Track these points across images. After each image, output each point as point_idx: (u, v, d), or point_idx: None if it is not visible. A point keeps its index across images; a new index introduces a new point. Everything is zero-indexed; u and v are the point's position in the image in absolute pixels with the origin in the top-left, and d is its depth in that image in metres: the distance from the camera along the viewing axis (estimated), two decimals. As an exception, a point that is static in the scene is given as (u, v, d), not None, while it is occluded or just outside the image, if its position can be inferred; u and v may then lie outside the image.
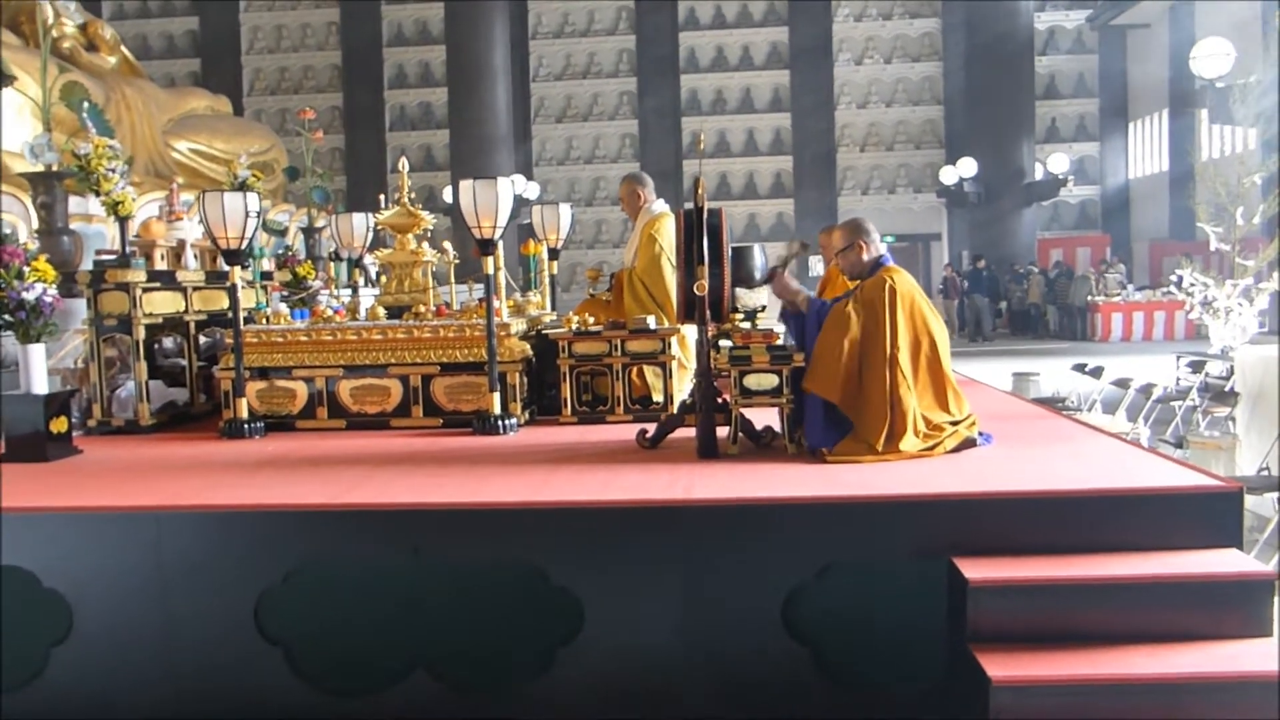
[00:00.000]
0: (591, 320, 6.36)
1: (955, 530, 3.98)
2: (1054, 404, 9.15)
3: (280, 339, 6.28)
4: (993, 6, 23.09)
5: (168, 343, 7.02)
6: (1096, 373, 8.80)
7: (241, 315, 6.27)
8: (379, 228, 7.03)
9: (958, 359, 17.31)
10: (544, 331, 6.50)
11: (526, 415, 6.27)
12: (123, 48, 17.68)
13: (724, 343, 5.33)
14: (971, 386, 7.56)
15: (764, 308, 5.64)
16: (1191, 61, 12.66)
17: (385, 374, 6.22)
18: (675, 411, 5.32)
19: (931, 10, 26.92)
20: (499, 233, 5.88)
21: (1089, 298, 19.53)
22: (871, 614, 3.99)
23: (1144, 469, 4.33)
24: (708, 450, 4.91)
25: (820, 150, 27.21)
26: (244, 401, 6.11)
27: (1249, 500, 6.23)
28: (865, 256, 5.02)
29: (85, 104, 10.20)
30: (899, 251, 28.63)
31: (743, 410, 5.08)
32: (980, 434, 5.01)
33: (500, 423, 5.90)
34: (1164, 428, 9.04)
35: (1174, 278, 8.63)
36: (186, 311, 6.83)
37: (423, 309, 6.36)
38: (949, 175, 23.63)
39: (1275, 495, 5.60)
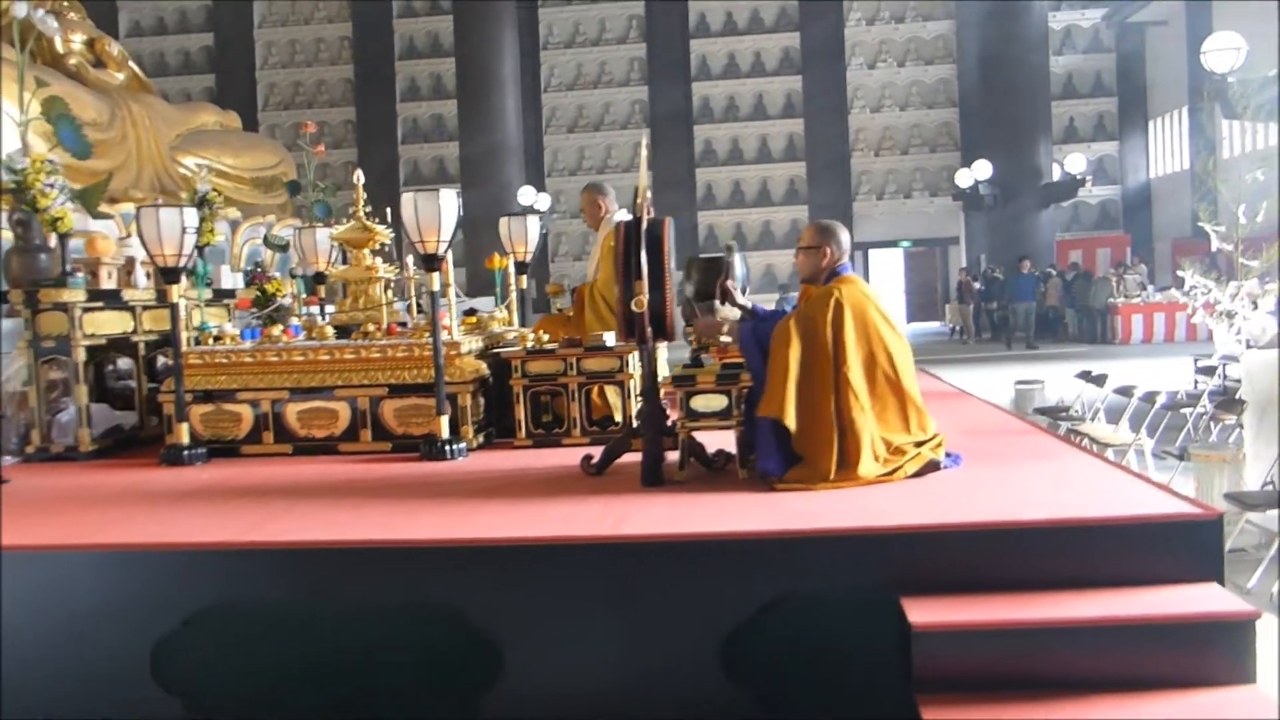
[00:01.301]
0: (547, 338, 6.05)
1: (906, 566, 3.62)
2: (1057, 413, 8.76)
3: (224, 360, 6.01)
4: (1006, 7, 22.60)
5: (123, 364, 6.78)
6: (1100, 380, 8.37)
7: (186, 335, 6.01)
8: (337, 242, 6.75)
9: (972, 365, 16.75)
10: (497, 350, 6.18)
11: (481, 438, 5.96)
12: (131, 64, 17.57)
13: (707, 360, 5.02)
14: (958, 400, 7.18)
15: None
16: (1202, 56, 12.20)
17: (332, 396, 5.94)
18: (622, 435, 4.99)
19: (945, 12, 26.48)
20: (444, 247, 5.58)
21: (1109, 299, 18.98)
22: (817, 656, 3.63)
23: (1121, 494, 3.94)
24: (652, 478, 4.57)
25: (834, 155, 26.81)
26: (185, 427, 5.84)
27: (1255, 516, 5.85)
28: (825, 262, 4.66)
29: (62, 120, 10.01)
30: (916, 256, 28.45)
31: (694, 433, 4.74)
32: (948, 455, 4.64)
33: (448, 448, 5.59)
34: (1176, 435, 8.61)
35: (1181, 279, 8.24)
36: (135, 332, 6.58)
37: (372, 328, 6.07)
38: (965, 178, 23.15)
39: (1278, 513, 5.19)
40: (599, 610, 3.72)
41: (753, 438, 4.50)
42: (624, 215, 6.49)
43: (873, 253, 27.90)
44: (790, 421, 4.36)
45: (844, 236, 4.68)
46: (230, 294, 7.80)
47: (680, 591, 3.68)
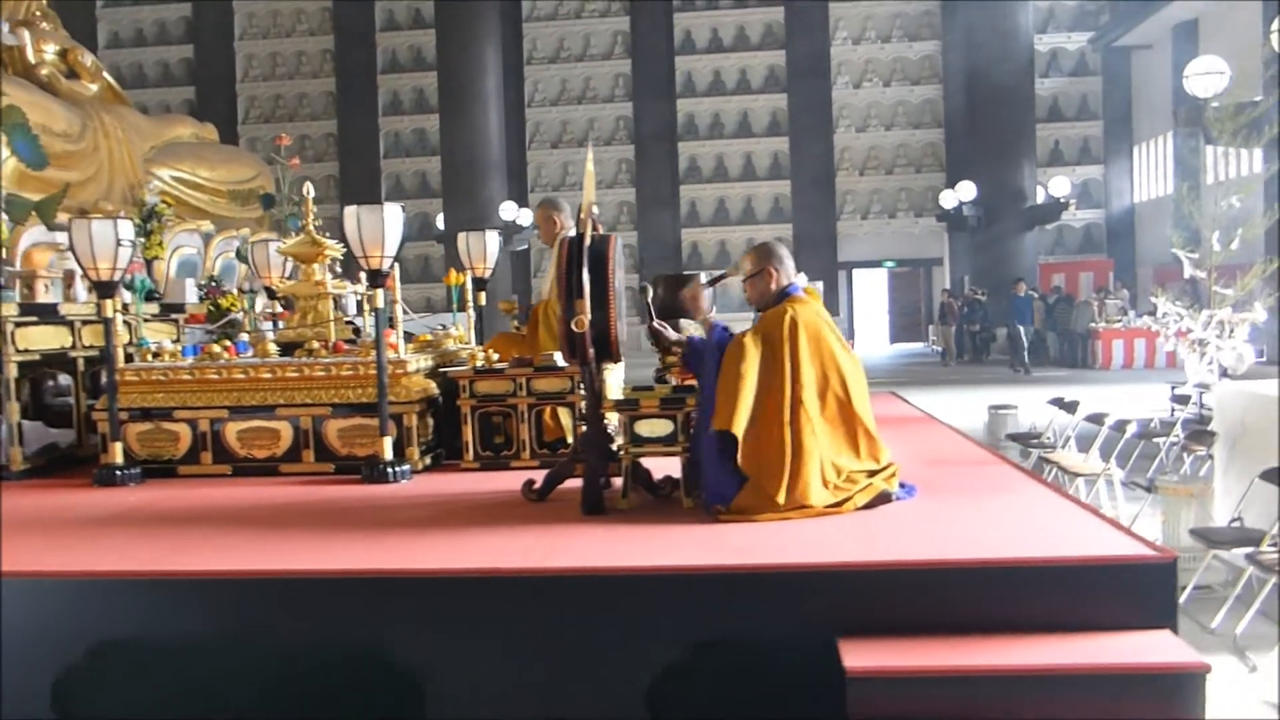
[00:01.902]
0: (496, 357, 5.86)
1: (846, 606, 3.44)
2: (1028, 440, 8.60)
3: (162, 377, 5.80)
4: (992, 29, 22.58)
5: (64, 380, 6.57)
6: (1071, 407, 8.21)
7: (122, 351, 5.81)
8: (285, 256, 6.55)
9: (951, 387, 16.57)
10: (444, 370, 5.98)
11: (428, 460, 5.76)
12: (105, 75, 17.35)
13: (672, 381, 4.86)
14: (923, 425, 7.01)
15: None
16: (1184, 80, 12.13)
17: (274, 415, 5.74)
18: (566, 460, 4.80)
19: (931, 32, 26.47)
20: (388, 263, 5.39)
21: (1090, 324, 18.87)
22: (749, 700, 3.44)
23: (1075, 532, 3.77)
24: (593, 505, 4.38)
25: (819, 174, 26.72)
26: (118, 446, 5.62)
27: (1224, 554, 5.68)
28: (774, 285, 4.48)
29: (16, 129, 9.80)
30: (900, 277, 28.34)
31: (639, 459, 4.56)
32: (902, 486, 4.46)
33: (390, 470, 5.39)
34: (1150, 464, 8.45)
35: (1151, 307, 8.10)
36: (74, 347, 6.37)
37: (316, 345, 5.87)
38: (949, 199, 23.07)
39: (1248, 551, 5.01)
40: (523, 647, 3.53)
41: (699, 462, 4.31)
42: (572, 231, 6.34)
43: (856, 272, 27.80)
44: (739, 430, 4.17)
45: (785, 255, 4.51)
46: (180, 308, 7.58)
47: (607, 628, 3.50)
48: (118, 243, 5.49)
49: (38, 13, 16.68)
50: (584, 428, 4.60)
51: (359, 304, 12.23)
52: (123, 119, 16.22)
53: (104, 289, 5.55)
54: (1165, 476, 6.60)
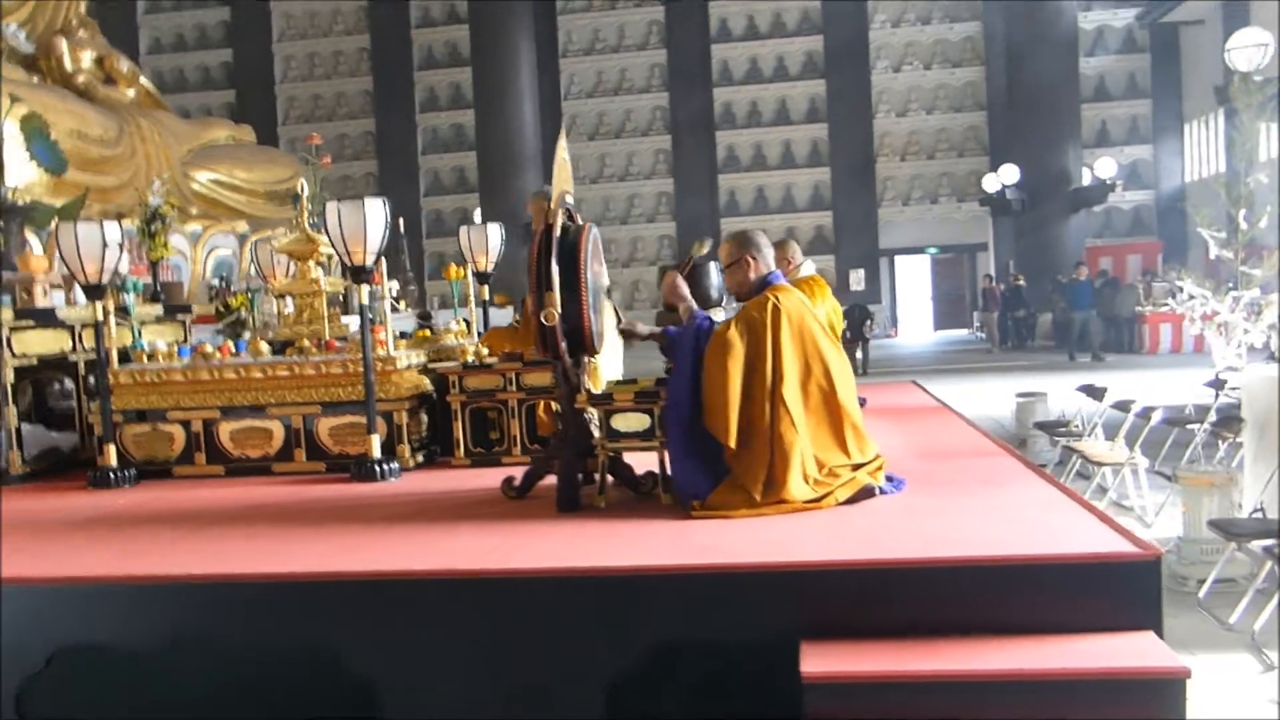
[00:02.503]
0: (487, 351, 5.76)
1: (812, 607, 3.28)
2: (1055, 428, 8.32)
3: (155, 379, 5.79)
4: (1035, 7, 22.01)
5: (69, 383, 6.59)
6: (1099, 394, 7.93)
7: (116, 353, 5.80)
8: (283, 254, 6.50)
9: (991, 374, 16.17)
10: (433, 365, 5.90)
11: (420, 457, 5.68)
12: (143, 80, 17.57)
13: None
14: (937, 415, 6.79)
15: None
16: (1226, 54, 11.69)
17: (265, 415, 5.69)
18: (545, 456, 4.68)
19: (971, 13, 25.92)
20: (372, 258, 5.31)
21: (1135, 308, 18.34)
22: (709, 704, 3.30)
23: (1059, 529, 3.56)
24: (569, 503, 4.26)
25: (859, 160, 26.32)
26: (111, 448, 5.62)
27: (1248, 546, 5.41)
28: (753, 274, 4.32)
29: (36, 135, 9.89)
30: (943, 263, 27.84)
31: (616, 455, 4.43)
32: (889, 479, 4.29)
33: (378, 468, 5.31)
34: (1183, 452, 8.13)
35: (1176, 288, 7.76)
36: (74, 350, 6.38)
37: (307, 343, 5.82)
38: (991, 183, 22.59)
39: (1267, 544, 4.75)
40: (479, 650, 3.42)
41: (672, 454, 4.17)
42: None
43: (899, 259, 27.34)
44: (733, 441, 4.04)
45: (763, 243, 4.35)
46: (187, 309, 7.58)
47: (565, 630, 3.37)
48: (104, 245, 5.46)
49: (75, 20, 16.91)
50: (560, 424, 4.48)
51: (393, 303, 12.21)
52: (159, 123, 16.41)
53: (92, 291, 5.54)
54: (1187, 465, 6.32)
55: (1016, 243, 23.19)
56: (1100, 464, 7.00)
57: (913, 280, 28.14)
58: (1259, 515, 5.24)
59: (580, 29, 27.68)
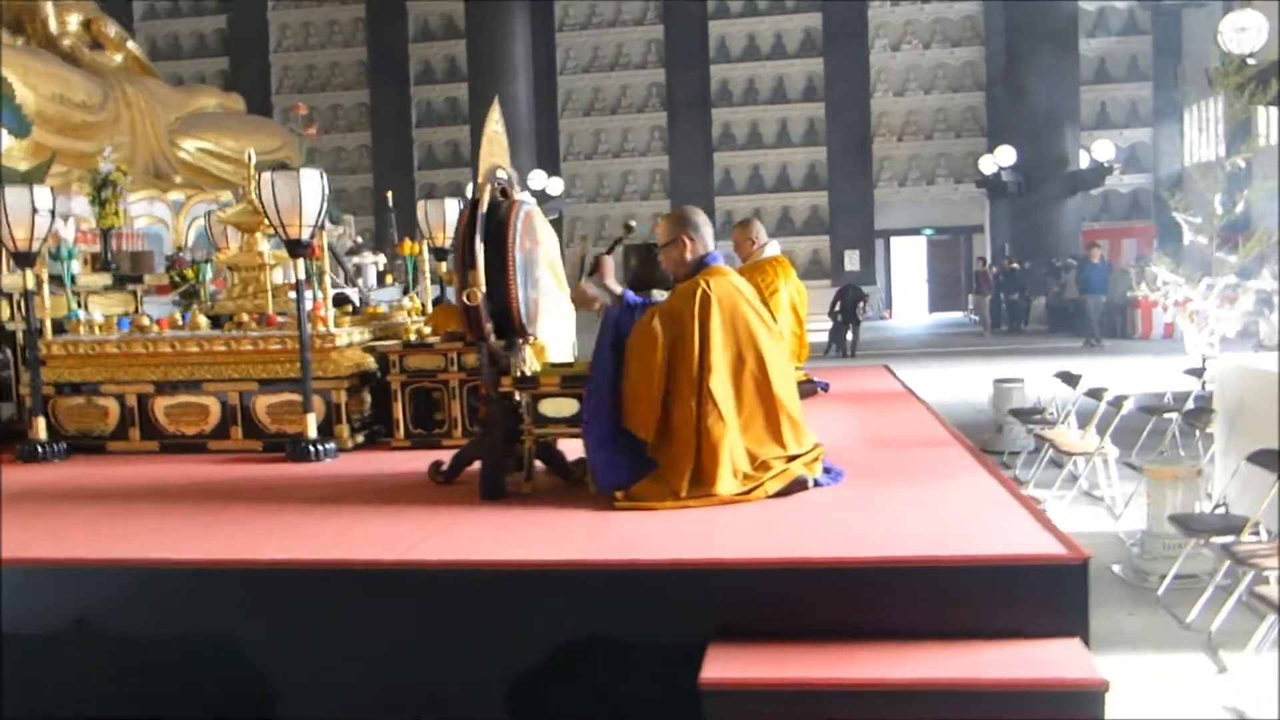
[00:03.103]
0: (429, 330, 5.58)
1: (729, 607, 3.11)
2: (1030, 415, 8.14)
3: (89, 351, 5.61)
4: (1036, -13, 21.68)
5: (9, 353, 6.42)
6: (1073, 381, 7.75)
7: (51, 324, 5.63)
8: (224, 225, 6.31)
9: (986, 357, 15.89)
10: (373, 345, 5.71)
11: (360, 438, 5.51)
12: (130, 45, 17.30)
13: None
14: (900, 403, 6.61)
15: None
16: (1218, 36, 11.41)
17: (201, 390, 5.52)
18: (474, 440, 4.50)
19: (972, -9, 25.56)
20: (309, 232, 5.12)
21: (1128, 293, 18.10)
22: (616, 706, 3.14)
23: (991, 528, 3.39)
24: (492, 490, 4.09)
25: (855, 140, 26.02)
26: (41, 421, 5.45)
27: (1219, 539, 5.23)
28: (689, 255, 4.13)
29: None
30: (939, 245, 27.58)
31: (546, 440, 4.26)
32: (827, 471, 4.11)
33: (313, 448, 5.14)
34: (1159, 441, 7.96)
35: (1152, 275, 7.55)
36: (12, 319, 6.20)
37: (246, 318, 5.64)
38: (988, 164, 22.31)
39: (1226, 541, 4.58)
40: (377, 645, 3.25)
41: (589, 441, 3.99)
42: (523, 196, 6.02)
43: (894, 240, 27.08)
44: (650, 437, 3.87)
45: (701, 221, 4.15)
46: (139, 279, 7.40)
47: (464, 627, 3.21)
48: (34, 211, 5.28)
49: (63, -18, 16.60)
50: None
51: (379, 276, 11.99)
52: (146, 90, 16.14)
53: (21, 259, 5.36)
54: (1152, 457, 6.14)
55: (1012, 225, 22.93)
56: (1069, 453, 6.82)
57: (908, 262, 27.89)
58: (1222, 510, 5.07)
59: (577, 4, 27.32)
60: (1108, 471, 6.82)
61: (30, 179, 8.87)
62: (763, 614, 3.08)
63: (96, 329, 5.72)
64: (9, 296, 6.18)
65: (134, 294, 7.23)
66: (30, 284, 5.38)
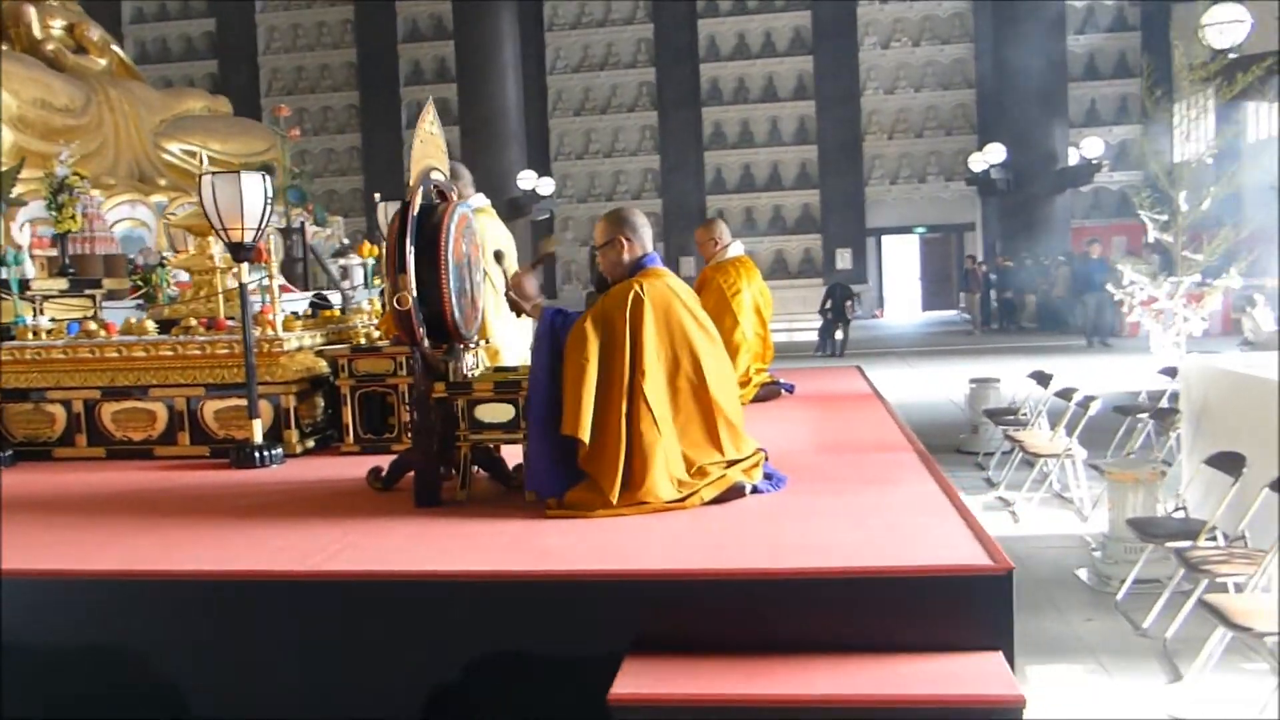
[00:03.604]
0: (378, 335, 5.51)
1: (648, 620, 3.03)
2: (1002, 415, 8.06)
3: (35, 356, 5.53)
4: (1024, -18, 21.58)
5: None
6: (1045, 380, 7.67)
7: (-3, 330, 5.55)
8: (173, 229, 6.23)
9: (970, 357, 15.72)
10: (321, 349, 5.63)
11: (310, 443, 5.44)
12: (115, 48, 17.20)
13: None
14: (862, 405, 6.53)
15: None
16: (1201, 30, 11.34)
17: (147, 396, 5.44)
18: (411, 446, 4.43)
19: (962, -12, 25.46)
20: (252, 235, 5.04)
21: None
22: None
23: (921, 538, 3.30)
24: (426, 497, 4.01)
25: (846, 138, 25.92)
26: (-14, 429, 5.38)
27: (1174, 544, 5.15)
28: (626, 256, 4.05)
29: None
30: (931, 243, 27.49)
31: (486, 446, 4.18)
32: (768, 477, 4.03)
33: (258, 454, 5.07)
34: (1132, 442, 7.86)
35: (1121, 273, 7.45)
36: (-38, 326, 6.12)
37: (194, 322, 5.55)
38: (977, 162, 22.22)
39: (1179, 546, 4.50)
40: (290, 659, 3.18)
41: (528, 449, 3.91)
42: (481, 200, 5.95)
43: (885, 239, 26.99)
44: (587, 439, 3.79)
45: (640, 222, 4.07)
46: (97, 284, 7.30)
47: (378, 639, 3.13)
48: (-26, 216, 5.19)
49: (47, -13, 16.53)
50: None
51: (367, 277, 11.96)
52: (130, 93, 16.05)
53: (-37, 264, 5.28)
54: (1112, 459, 6.06)
55: (1003, 223, 22.84)
56: (1038, 454, 6.74)
57: (900, 260, 27.81)
58: (1181, 514, 4.99)
59: (566, 3, 27.22)
60: (1075, 473, 6.74)
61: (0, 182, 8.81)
62: (680, 626, 3.01)
63: (44, 334, 5.64)
64: (-42, 302, 6.10)
65: (91, 298, 7.14)
66: (-26, 290, 5.30)
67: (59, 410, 5.52)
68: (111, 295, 7.32)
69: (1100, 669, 4.33)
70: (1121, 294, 6.71)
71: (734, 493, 3.84)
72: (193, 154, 16.77)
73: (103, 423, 5.49)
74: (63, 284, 6.80)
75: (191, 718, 3.21)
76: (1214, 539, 4.63)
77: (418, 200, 3.99)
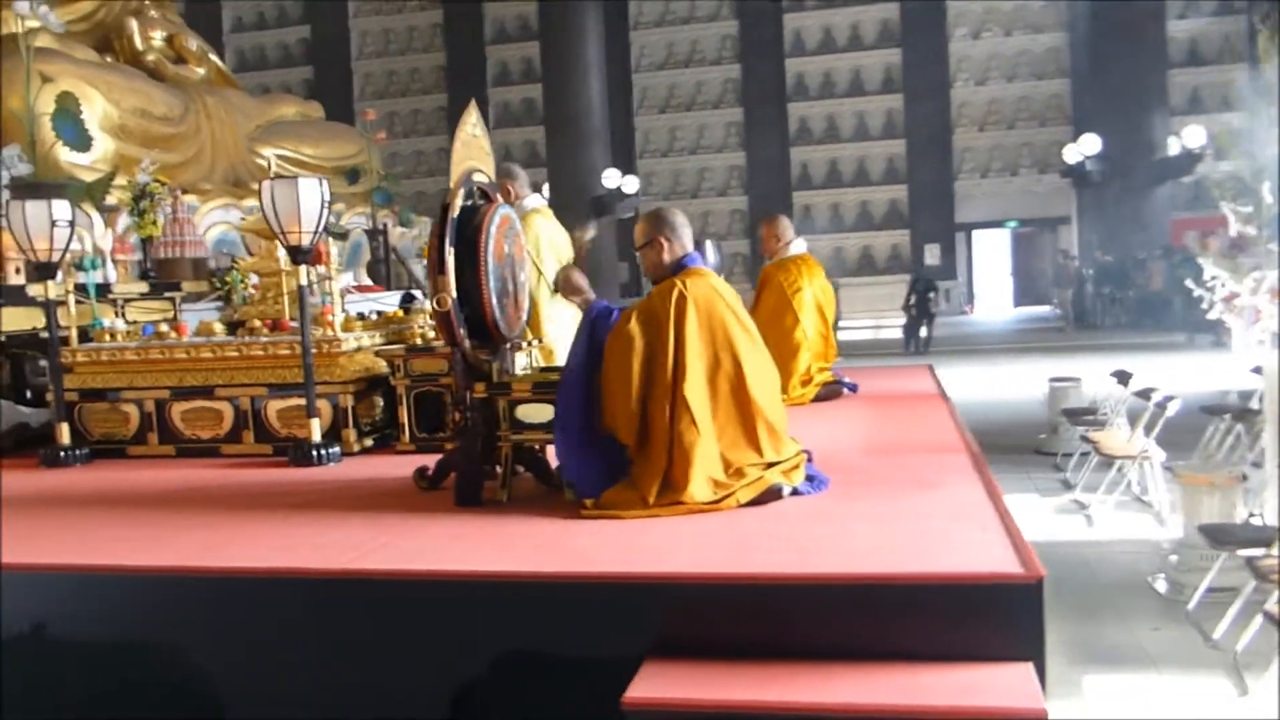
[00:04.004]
0: (432, 335, 5.57)
1: (673, 623, 3.01)
2: (1081, 415, 7.81)
3: (109, 358, 5.75)
4: (1121, -33, 20.87)
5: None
6: (1125, 379, 7.40)
7: (76, 332, 5.78)
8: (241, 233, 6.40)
9: (1060, 354, 15.27)
10: (380, 350, 5.72)
11: (368, 442, 5.54)
12: (212, 57, 17.81)
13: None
14: (924, 405, 6.38)
15: None
16: (1303, 11, 10.80)
17: (214, 396, 5.60)
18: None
19: (1056, -25, 24.72)
20: (310, 239, 5.15)
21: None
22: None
23: (959, 543, 3.20)
24: (467, 496, 4.05)
25: (935, 131, 25.37)
26: (64, 427, 5.60)
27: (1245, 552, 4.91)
28: (666, 257, 4.02)
29: (61, 114, 9.99)
30: (1023, 237, 26.77)
31: (528, 446, 4.20)
32: (809, 479, 3.97)
33: (316, 453, 5.18)
34: (1221, 441, 7.51)
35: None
36: (46, 328, 6.39)
37: (257, 324, 5.70)
38: (1071, 154, 21.56)
39: (1251, 554, 4.29)
40: (323, 656, 3.23)
41: (560, 446, 3.91)
42: (536, 200, 5.98)
43: (976, 234, 26.37)
44: (632, 440, 3.79)
45: (679, 222, 4.03)
46: (177, 287, 7.56)
47: (406, 637, 3.16)
48: (53, 223, 5.42)
49: (147, 1, 17.22)
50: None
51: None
52: (226, 101, 16.60)
53: (43, 270, 5.51)
54: (1187, 462, 5.81)
55: (1098, 216, 22.12)
56: (1114, 456, 6.51)
57: (992, 255, 27.14)
58: (1257, 519, 4.76)
59: (651, 2, 27.22)
60: (1154, 475, 6.49)
61: (93, 191, 9.18)
62: (702, 629, 2.98)
63: (120, 336, 5.85)
64: (44, 305, 6.36)
65: (171, 301, 7.40)
66: (53, 294, 5.53)
67: (132, 409, 5.72)
68: (192, 298, 7.57)
69: (1160, 679, 4.16)
70: (1201, 290, 6.40)
71: (771, 495, 3.78)
72: (287, 158, 17.28)
73: (173, 422, 5.67)
74: (143, 287, 7.05)
75: (219, 713, 3.29)
76: (1288, 547, 4.40)
77: (457, 202, 4.02)
